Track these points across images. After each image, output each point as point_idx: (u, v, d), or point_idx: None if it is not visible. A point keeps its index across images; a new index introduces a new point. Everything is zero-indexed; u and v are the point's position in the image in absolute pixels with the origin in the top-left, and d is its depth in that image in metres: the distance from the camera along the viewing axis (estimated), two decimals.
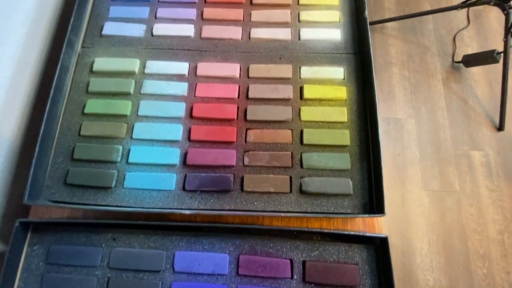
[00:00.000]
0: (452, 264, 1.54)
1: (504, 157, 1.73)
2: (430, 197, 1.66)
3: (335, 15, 0.83)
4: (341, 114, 0.72)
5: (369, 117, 0.72)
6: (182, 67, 0.78)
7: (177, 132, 0.72)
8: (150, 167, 0.69)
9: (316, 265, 0.62)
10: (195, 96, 0.75)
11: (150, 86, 0.76)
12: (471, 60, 1.81)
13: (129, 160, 0.69)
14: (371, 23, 1.97)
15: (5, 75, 0.72)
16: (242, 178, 0.68)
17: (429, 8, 2.05)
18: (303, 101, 0.74)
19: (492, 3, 1.65)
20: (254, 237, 0.64)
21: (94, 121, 0.73)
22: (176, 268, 0.62)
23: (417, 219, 1.62)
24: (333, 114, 0.72)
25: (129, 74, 0.77)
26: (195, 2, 0.85)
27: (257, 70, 0.77)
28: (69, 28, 0.76)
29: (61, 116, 0.73)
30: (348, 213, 0.65)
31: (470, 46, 1.97)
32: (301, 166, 0.69)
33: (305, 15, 0.83)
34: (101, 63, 0.78)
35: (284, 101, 0.74)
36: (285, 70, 0.77)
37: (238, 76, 0.77)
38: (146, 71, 0.77)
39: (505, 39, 1.65)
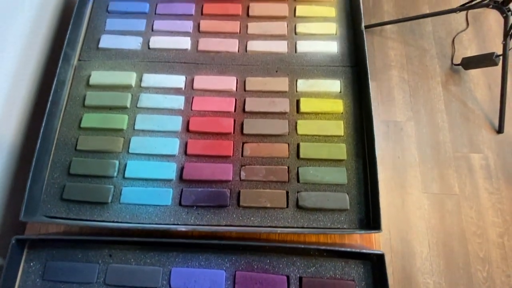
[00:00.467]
0: (452, 267, 1.54)
1: (503, 159, 1.73)
2: (430, 199, 1.66)
3: (332, 27, 0.83)
4: (338, 127, 0.72)
5: (365, 131, 0.71)
6: (178, 80, 0.78)
7: (173, 146, 0.72)
8: (147, 182, 0.69)
9: (312, 281, 0.62)
10: (191, 109, 0.75)
11: (146, 100, 0.76)
12: (470, 63, 1.81)
13: (126, 175, 0.69)
14: (370, 26, 1.97)
15: (1, 90, 0.72)
16: (239, 193, 0.67)
17: (428, 11, 2.05)
18: (299, 115, 0.74)
19: (491, 6, 1.65)
20: (251, 253, 0.64)
21: (90, 135, 0.73)
22: (172, 284, 0.62)
23: (417, 222, 1.62)
24: (330, 127, 0.72)
25: (126, 87, 0.77)
26: (191, 14, 0.85)
27: (253, 83, 0.77)
28: (66, 41, 0.76)
29: (57, 131, 0.73)
30: (344, 229, 0.65)
31: (469, 48, 1.96)
32: (298, 181, 0.69)
33: (301, 27, 0.83)
34: (98, 76, 0.78)
35: (280, 114, 0.74)
36: (281, 83, 0.77)
37: (234, 89, 0.77)
38: (143, 84, 0.77)
39: (504, 42, 1.64)
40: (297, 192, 0.68)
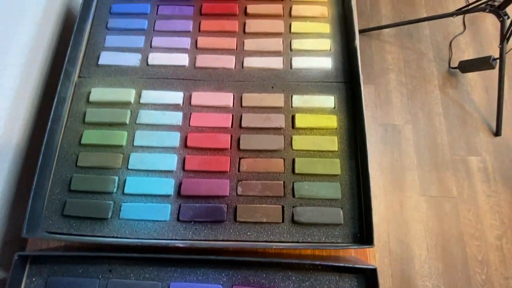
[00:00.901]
0: (451, 270, 1.55)
1: (501, 162, 1.74)
2: (428, 202, 1.67)
3: (326, 44, 0.85)
4: (332, 143, 0.74)
5: (359, 147, 0.73)
6: (177, 97, 0.79)
7: (171, 162, 0.73)
8: (146, 197, 0.71)
9: None
10: (189, 125, 0.77)
11: (145, 116, 0.78)
12: (467, 66, 1.82)
13: (125, 191, 0.71)
14: (368, 30, 1.98)
15: (3, 107, 0.74)
16: (235, 208, 0.69)
17: (425, 15, 2.06)
18: (295, 130, 0.76)
19: (487, 10, 1.66)
20: (247, 267, 0.65)
21: (90, 152, 0.74)
22: None
23: (416, 225, 1.63)
24: (324, 143, 0.74)
25: (125, 104, 0.79)
26: (189, 31, 0.87)
27: (250, 99, 0.79)
28: (66, 58, 0.78)
29: (58, 147, 0.75)
30: (338, 243, 0.67)
31: (466, 51, 1.98)
32: (293, 196, 0.70)
33: (296, 44, 0.84)
34: (98, 93, 0.80)
35: (276, 130, 0.76)
36: (277, 99, 0.79)
37: (231, 105, 0.79)
38: (142, 101, 0.79)
39: (500, 46, 1.66)
40: (293, 207, 0.69)
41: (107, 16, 0.89)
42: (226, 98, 0.79)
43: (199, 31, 0.87)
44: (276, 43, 0.85)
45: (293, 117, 0.77)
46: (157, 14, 0.89)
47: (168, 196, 0.71)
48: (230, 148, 0.75)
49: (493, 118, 1.80)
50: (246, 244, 0.67)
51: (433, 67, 1.95)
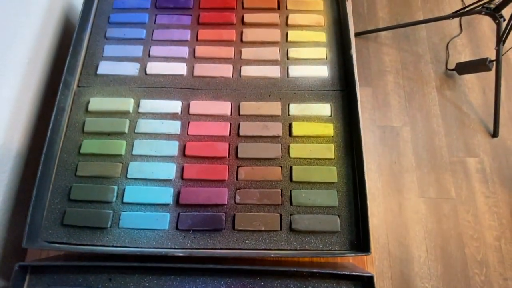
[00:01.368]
0: (450, 271, 1.56)
1: (499, 163, 1.75)
2: (426, 204, 1.68)
3: (322, 52, 0.86)
4: (329, 151, 0.75)
5: (355, 154, 0.74)
6: (175, 106, 0.80)
7: (170, 171, 0.74)
8: (145, 206, 0.71)
9: None
10: (187, 134, 0.77)
11: (144, 125, 0.78)
12: (464, 68, 1.84)
13: (124, 200, 0.72)
14: (365, 32, 2.00)
15: (3, 117, 0.75)
16: (234, 217, 0.70)
17: (422, 17, 2.08)
18: (292, 138, 0.77)
19: (484, 13, 1.67)
20: (246, 276, 0.66)
21: (90, 161, 0.75)
22: None
23: (414, 226, 1.64)
24: (321, 151, 0.75)
25: (124, 113, 0.80)
26: (187, 40, 0.88)
27: (247, 107, 0.80)
28: (65, 68, 0.78)
29: (57, 157, 0.75)
30: (336, 251, 0.67)
31: (463, 53, 1.99)
32: (291, 203, 0.71)
33: (293, 52, 0.85)
34: (96, 103, 0.80)
35: (273, 138, 0.77)
36: (274, 108, 0.79)
37: (229, 114, 0.79)
38: (140, 110, 0.80)
39: (497, 48, 1.67)
40: (290, 215, 0.70)
41: (105, 25, 0.90)
42: (224, 107, 0.80)
43: (197, 40, 0.88)
44: (273, 52, 0.86)
45: (290, 125, 0.78)
46: (155, 23, 0.90)
47: (167, 205, 0.71)
48: (228, 157, 0.75)
49: (490, 119, 1.81)
50: (245, 253, 0.68)
51: (430, 69, 1.96)
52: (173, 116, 0.79)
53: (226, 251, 0.68)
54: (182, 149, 0.76)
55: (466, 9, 1.75)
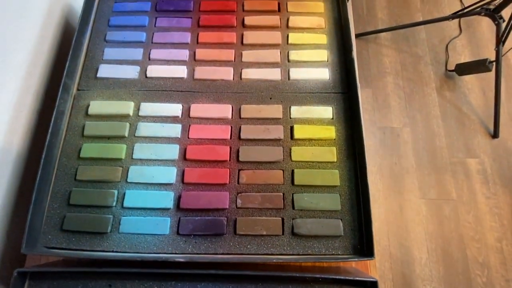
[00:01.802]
0: (452, 273, 1.55)
1: (499, 164, 1.75)
2: (427, 205, 1.67)
3: (323, 54, 0.85)
4: (331, 154, 0.74)
5: (357, 157, 0.73)
6: (175, 109, 0.79)
7: (171, 175, 0.73)
8: (145, 211, 0.71)
9: None
10: (188, 137, 0.77)
11: (144, 129, 0.78)
12: (464, 69, 1.83)
13: (124, 205, 0.71)
14: (365, 34, 1.99)
15: (2, 120, 0.74)
16: (235, 221, 0.69)
17: (421, 18, 2.08)
18: (293, 141, 0.76)
19: (483, 14, 1.67)
20: (248, 281, 0.65)
21: (89, 165, 0.74)
22: None
23: (415, 228, 1.64)
24: (323, 154, 0.74)
25: (124, 117, 0.79)
26: (187, 43, 0.87)
27: (248, 110, 0.79)
28: (65, 72, 0.78)
29: (57, 161, 0.75)
30: (338, 255, 0.67)
31: (462, 54, 1.99)
32: (293, 207, 0.70)
33: (294, 55, 0.85)
34: (96, 106, 0.80)
35: (275, 141, 0.76)
36: (275, 110, 0.79)
37: (230, 117, 0.79)
38: (141, 113, 0.79)
39: (496, 49, 1.66)
40: (292, 219, 0.69)
41: (105, 28, 0.89)
42: (224, 110, 0.79)
43: (197, 43, 0.87)
44: (273, 54, 0.85)
45: (291, 128, 0.77)
46: (155, 26, 0.90)
47: (168, 209, 0.71)
48: (229, 160, 0.75)
49: (490, 120, 1.81)
50: (246, 258, 0.67)
51: (430, 70, 1.96)
52: (173, 119, 0.79)
53: (227, 256, 0.67)
54: (183, 153, 0.75)
55: (466, 10, 1.75)
